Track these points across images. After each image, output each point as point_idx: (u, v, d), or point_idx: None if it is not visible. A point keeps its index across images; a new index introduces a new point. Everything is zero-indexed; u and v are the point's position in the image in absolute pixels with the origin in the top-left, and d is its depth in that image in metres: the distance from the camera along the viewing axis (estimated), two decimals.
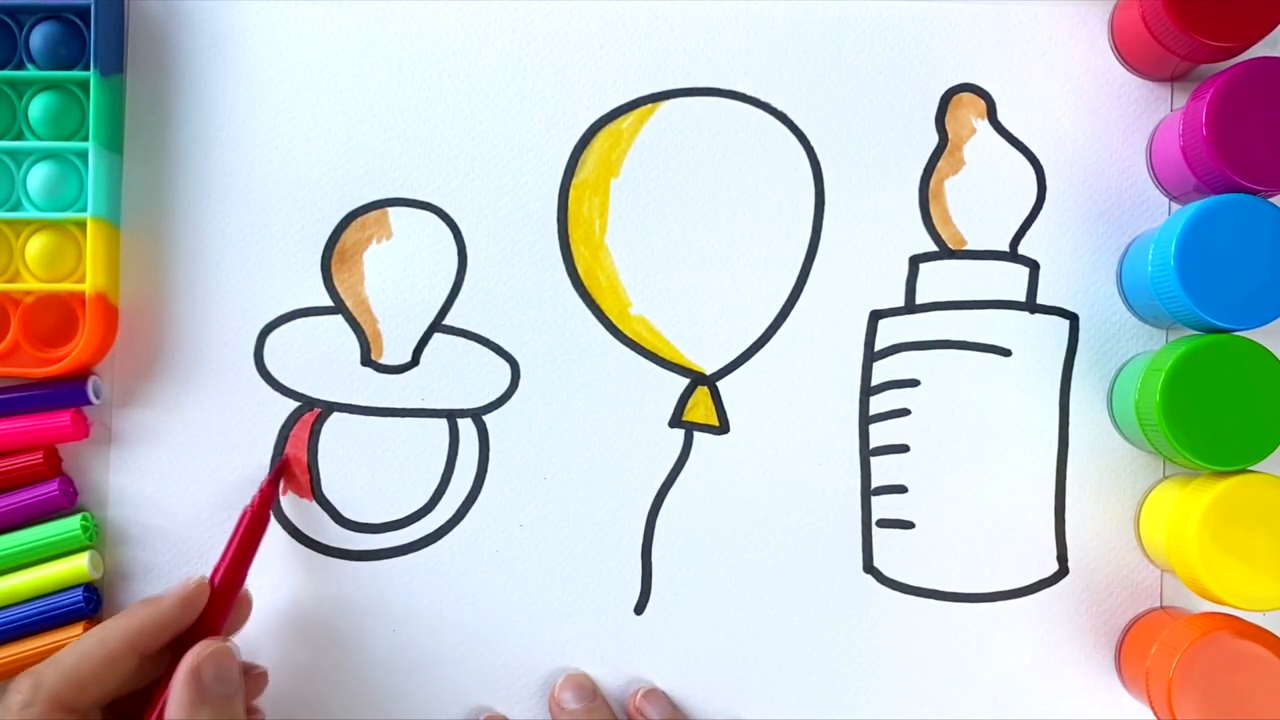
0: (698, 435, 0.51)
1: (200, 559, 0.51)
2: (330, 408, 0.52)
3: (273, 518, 0.51)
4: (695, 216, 0.52)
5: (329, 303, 0.52)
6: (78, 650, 0.43)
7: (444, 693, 0.51)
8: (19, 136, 0.51)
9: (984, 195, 0.51)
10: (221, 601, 0.46)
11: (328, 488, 0.51)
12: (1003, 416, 0.51)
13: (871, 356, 0.51)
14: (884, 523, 0.51)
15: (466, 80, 0.52)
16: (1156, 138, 0.51)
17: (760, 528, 0.51)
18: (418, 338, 0.52)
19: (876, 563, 0.51)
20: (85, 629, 0.50)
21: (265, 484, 0.50)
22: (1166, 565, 0.49)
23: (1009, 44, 0.52)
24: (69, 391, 0.51)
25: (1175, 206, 0.51)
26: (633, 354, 0.52)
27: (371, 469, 0.51)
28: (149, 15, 0.52)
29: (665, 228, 0.52)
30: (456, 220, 0.52)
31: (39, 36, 0.50)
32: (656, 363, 0.52)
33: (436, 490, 0.51)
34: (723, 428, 0.51)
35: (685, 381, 0.52)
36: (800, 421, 0.51)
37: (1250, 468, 0.46)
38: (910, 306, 0.51)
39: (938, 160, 0.52)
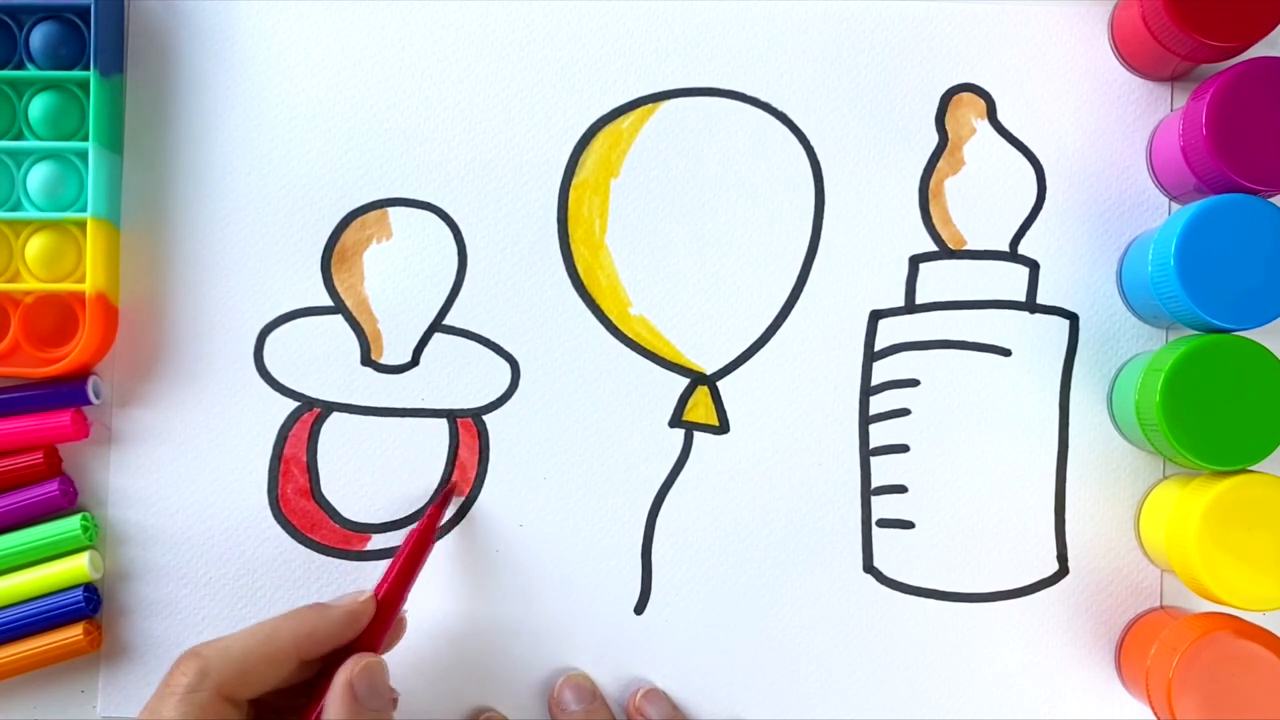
0: (698, 435, 0.51)
1: (201, 559, 0.51)
2: (330, 408, 0.52)
3: (271, 516, 0.51)
4: (695, 216, 0.52)
5: (329, 303, 0.52)
6: (245, 642, 0.43)
7: (444, 693, 0.51)
8: (19, 136, 0.51)
9: (984, 195, 0.51)
10: (383, 619, 0.46)
11: (327, 488, 0.51)
12: (1003, 416, 0.51)
13: (871, 356, 0.51)
14: (884, 523, 0.51)
15: (466, 80, 0.52)
16: (1156, 138, 0.51)
17: (760, 528, 0.51)
18: (418, 338, 0.52)
19: (876, 563, 0.51)
20: (85, 630, 0.50)
21: (432, 507, 0.50)
22: (1166, 565, 0.48)
23: (1009, 44, 0.52)
24: (69, 391, 0.51)
25: (1175, 206, 0.51)
26: (633, 354, 0.52)
27: (371, 469, 0.51)
28: (149, 15, 0.52)
29: (665, 228, 0.52)
30: (456, 220, 0.52)
31: (39, 36, 0.50)
32: (656, 363, 0.52)
33: (436, 490, 0.51)
34: (723, 428, 0.51)
35: (685, 381, 0.52)
36: (800, 421, 0.51)
37: (1250, 468, 0.46)
38: (910, 306, 0.51)
39: (938, 160, 0.52)
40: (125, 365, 0.52)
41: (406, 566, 0.47)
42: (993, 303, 0.51)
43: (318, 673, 0.44)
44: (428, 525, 0.49)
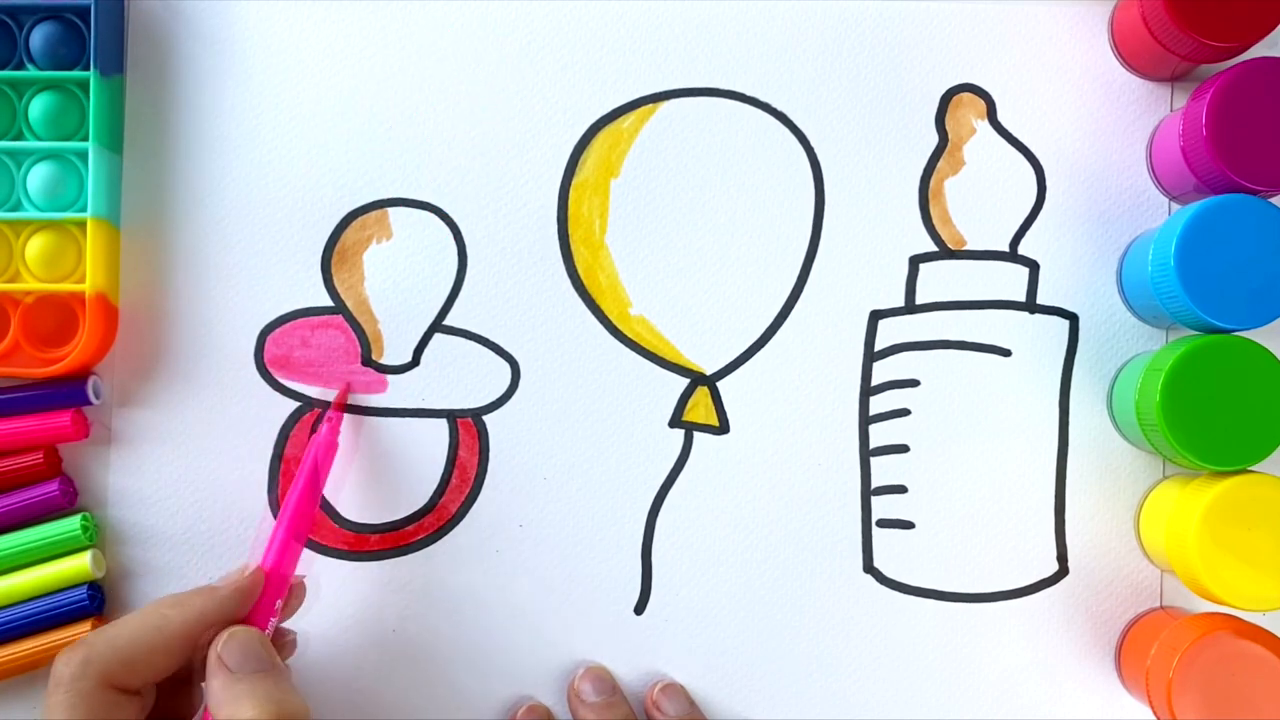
0: (698, 435, 0.51)
1: (201, 559, 0.51)
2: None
3: (271, 516, 0.51)
4: (695, 216, 0.52)
5: (329, 303, 0.52)
6: (133, 630, 0.43)
7: (443, 693, 0.51)
8: (19, 136, 0.51)
9: (984, 195, 0.51)
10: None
11: (327, 488, 0.51)
12: (1003, 417, 0.51)
13: (871, 356, 0.51)
14: (884, 523, 0.51)
15: (466, 80, 0.52)
16: (1156, 138, 0.51)
17: (760, 528, 0.51)
18: (418, 338, 0.52)
19: (876, 563, 0.51)
20: (92, 627, 0.50)
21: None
22: (1166, 565, 0.49)
23: (1009, 44, 0.52)
24: (69, 391, 0.51)
25: (1175, 206, 0.51)
26: (633, 354, 0.52)
27: (371, 469, 0.51)
28: (149, 15, 0.52)
29: (665, 228, 0.52)
30: (456, 220, 0.52)
31: (39, 36, 0.50)
32: (656, 363, 0.52)
33: (436, 490, 0.51)
34: (723, 428, 0.51)
35: (685, 381, 0.52)
36: (800, 421, 0.51)
37: (1250, 468, 0.46)
38: (910, 306, 0.51)
39: (938, 160, 0.52)
40: (125, 365, 0.52)
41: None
42: (993, 303, 0.51)
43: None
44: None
